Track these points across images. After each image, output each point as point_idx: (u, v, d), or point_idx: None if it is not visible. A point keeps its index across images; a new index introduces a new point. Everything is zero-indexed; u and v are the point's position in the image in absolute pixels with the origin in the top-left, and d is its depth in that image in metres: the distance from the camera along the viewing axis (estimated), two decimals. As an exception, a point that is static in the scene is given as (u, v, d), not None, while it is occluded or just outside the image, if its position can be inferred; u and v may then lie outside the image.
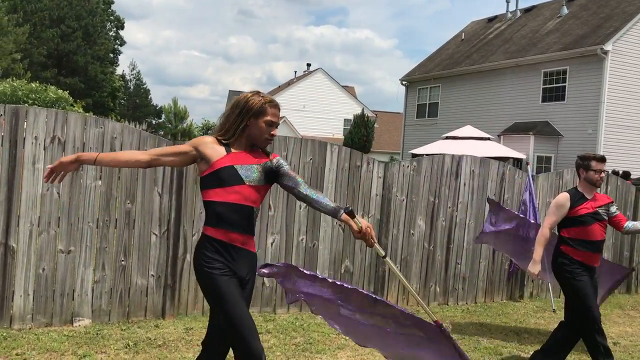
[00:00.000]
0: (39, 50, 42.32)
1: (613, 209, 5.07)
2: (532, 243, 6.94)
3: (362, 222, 3.09)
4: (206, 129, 53.67)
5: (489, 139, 19.76)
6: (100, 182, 5.41)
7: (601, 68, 19.68)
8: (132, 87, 70.04)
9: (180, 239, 5.78)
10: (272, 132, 3.19)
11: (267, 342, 5.28)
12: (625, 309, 8.06)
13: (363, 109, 40.20)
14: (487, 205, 7.61)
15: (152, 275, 5.67)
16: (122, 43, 57.36)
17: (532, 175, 7.89)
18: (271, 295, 6.34)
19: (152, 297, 5.69)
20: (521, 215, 6.65)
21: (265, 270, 3.18)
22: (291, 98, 42.20)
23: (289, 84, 46.20)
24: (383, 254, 3.26)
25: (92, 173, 5.37)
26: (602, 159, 4.96)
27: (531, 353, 5.64)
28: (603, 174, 4.95)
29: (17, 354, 4.56)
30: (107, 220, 5.45)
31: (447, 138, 20.38)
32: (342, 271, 6.72)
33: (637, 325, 7.17)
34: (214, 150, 3.11)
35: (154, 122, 68.61)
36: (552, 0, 26.49)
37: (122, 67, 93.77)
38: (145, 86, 68.91)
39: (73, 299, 5.33)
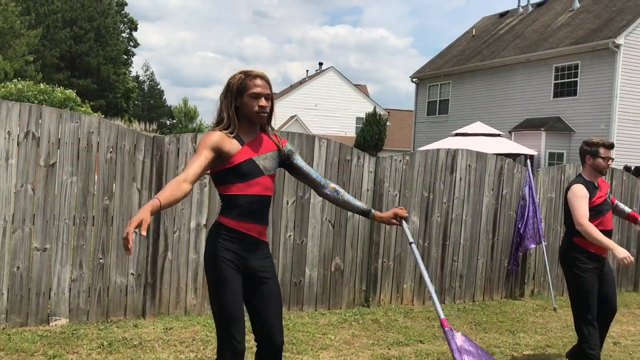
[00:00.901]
0: (51, 52, 42.59)
1: (609, 192, 4.98)
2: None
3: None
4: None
5: (499, 135, 19.45)
6: (76, 178, 5.27)
7: (613, 62, 19.27)
8: (146, 88, 70.44)
9: (160, 236, 5.62)
10: (260, 104, 3.04)
11: (248, 342, 5.10)
12: (630, 307, 7.79)
13: (375, 107, 39.87)
14: (485, 201, 7.39)
15: (131, 273, 5.52)
16: (136, 45, 57.72)
17: (532, 170, 7.64)
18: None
19: (132, 296, 5.54)
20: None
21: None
22: (303, 97, 42.08)
23: (300, 83, 46.01)
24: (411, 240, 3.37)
25: (68, 169, 5.23)
26: (611, 146, 4.74)
27: (524, 353, 5.44)
28: (610, 162, 4.76)
29: (-15, 355, 4.44)
30: (84, 218, 5.31)
31: (457, 135, 20.13)
32: (333, 269, 6.53)
33: (641, 324, 6.90)
34: (231, 144, 3.02)
35: (168, 122, 68.92)
36: (564, -6, 26.06)
37: (137, 68, 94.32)
38: (159, 87, 69.31)
39: (49, 298, 5.20)
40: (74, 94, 22.18)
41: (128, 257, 5.48)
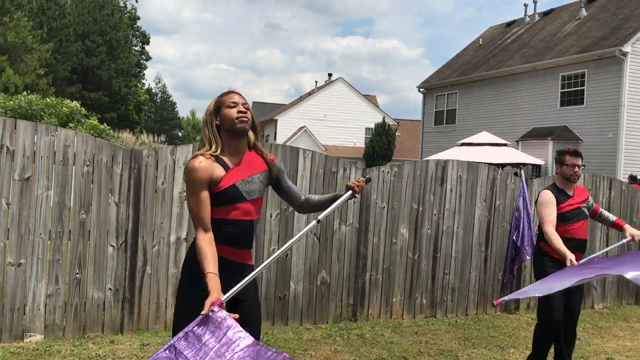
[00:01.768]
0: (64, 65, 42.98)
1: (591, 201, 5.01)
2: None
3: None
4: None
5: (505, 145, 19.25)
6: (52, 192, 5.21)
7: (620, 70, 19.01)
8: (158, 100, 70.88)
9: (139, 250, 5.54)
10: (238, 109, 2.97)
11: None
12: (630, 321, 7.57)
13: (384, 117, 39.77)
14: (477, 212, 7.25)
15: (109, 288, 5.44)
16: (148, 58, 58.17)
17: (526, 180, 7.48)
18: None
19: (109, 311, 5.45)
20: None
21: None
22: (312, 108, 42.05)
23: (309, 94, 46.00)
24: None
25: (44, 183, 5.18)
26: (575, 153, 4.83)
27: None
28: (578, 169, 4.82)
29: (-48, 372, 4.37)
30: (60, 232, 5.24)
31: (462, 145, 19.95)
32: (319, 283, 6.41)
33: (639, 339, 6.69)
34: (218, 171, 2.92)
35: (180, 134, 69.29)
36: (571, 2, 25.86)
37: (149, 81, 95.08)
38: (171, 99, 69.67)
39: (24, 314, 5.13)
40: (79, 105, 22.28)
41: (105, 272, 5.41)
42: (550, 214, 4.70)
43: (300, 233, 2.94)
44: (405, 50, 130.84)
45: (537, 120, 22.03)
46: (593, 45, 20.28)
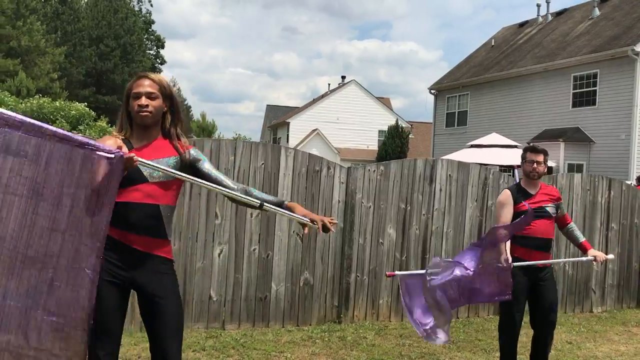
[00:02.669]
0: (77, 69, 43.42)
1: (561, 206, 4.86)
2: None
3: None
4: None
5: (516, 146, 18.96)
6: None
7: (633, 70, 18.62)
8: (174, 104, 71.11)
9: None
10: (138, 103, 2.91)
11: None
12: (628, 325, 7.32)
13: (397, 119, 39.53)
14: (468, 213, 7.07)
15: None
16: (163, 62, 58.56)
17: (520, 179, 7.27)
18: (219, 309, 5.93)
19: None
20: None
21: None
22: (325, 111, 41.90)
23: (322, 96, 45.88)
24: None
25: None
26: (535, 150, 4.68)
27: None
28: (538, 166, 4.64)
29: None
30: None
31: (472, 146, 19.69)
32: (301, 284, 6.26)
33: (634, 343, 6.45)
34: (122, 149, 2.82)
35: (194, 137, 69.52)
36: (585, 2, 25.48)
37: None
38: (186, 102, 69.94)
39: None
40: (87, 108, 22.43)
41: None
42: (503, 214, 4.65)
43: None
44: (423, 53, 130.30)
45: (548, 122, 21.69)
46: (605, 45, 19.93)
